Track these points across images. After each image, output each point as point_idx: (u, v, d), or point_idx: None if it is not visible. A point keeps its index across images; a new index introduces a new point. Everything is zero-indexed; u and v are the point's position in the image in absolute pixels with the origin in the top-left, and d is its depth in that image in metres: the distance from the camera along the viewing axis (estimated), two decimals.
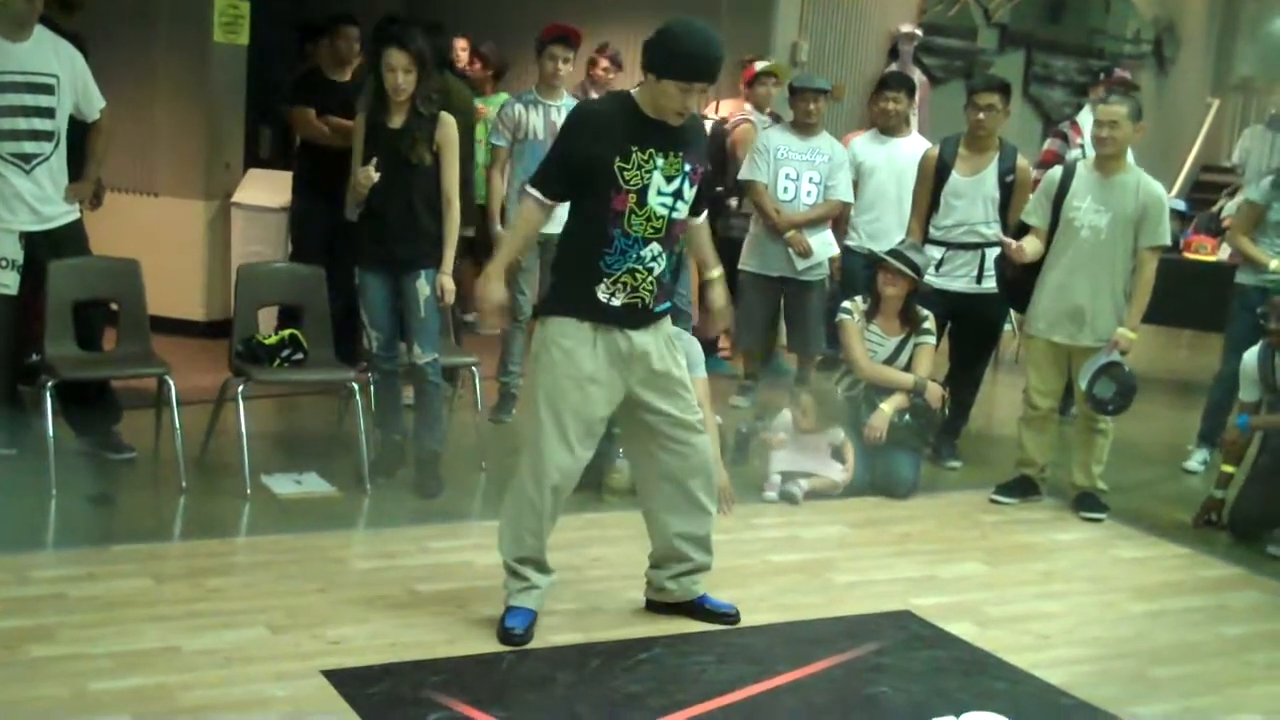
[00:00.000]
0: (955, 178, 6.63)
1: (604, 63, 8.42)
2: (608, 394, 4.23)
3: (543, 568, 4.37)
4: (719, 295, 4.59)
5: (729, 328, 4.51)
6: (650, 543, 4.52)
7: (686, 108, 4.09)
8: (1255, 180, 7.13)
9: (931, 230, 6.68)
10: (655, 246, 4.16)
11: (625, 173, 4.09)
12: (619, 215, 4.10)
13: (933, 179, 6.68)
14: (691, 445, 4.36)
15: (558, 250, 4.40)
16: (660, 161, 4.12)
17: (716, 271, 4.59)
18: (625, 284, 4.15)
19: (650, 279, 4.17)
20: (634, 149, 4.09)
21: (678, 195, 4.18)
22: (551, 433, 4.18)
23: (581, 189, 4.19)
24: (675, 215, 4.19)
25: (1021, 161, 6.68)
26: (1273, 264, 6.73)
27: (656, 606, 4.56)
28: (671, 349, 4.34)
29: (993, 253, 6.56)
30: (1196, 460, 7.08)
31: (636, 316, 4.20)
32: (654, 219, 4.14)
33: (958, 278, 6.62)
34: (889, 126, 7.50)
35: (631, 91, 4.22)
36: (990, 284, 6.58)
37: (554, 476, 4.21)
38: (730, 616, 4.54)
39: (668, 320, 4.37)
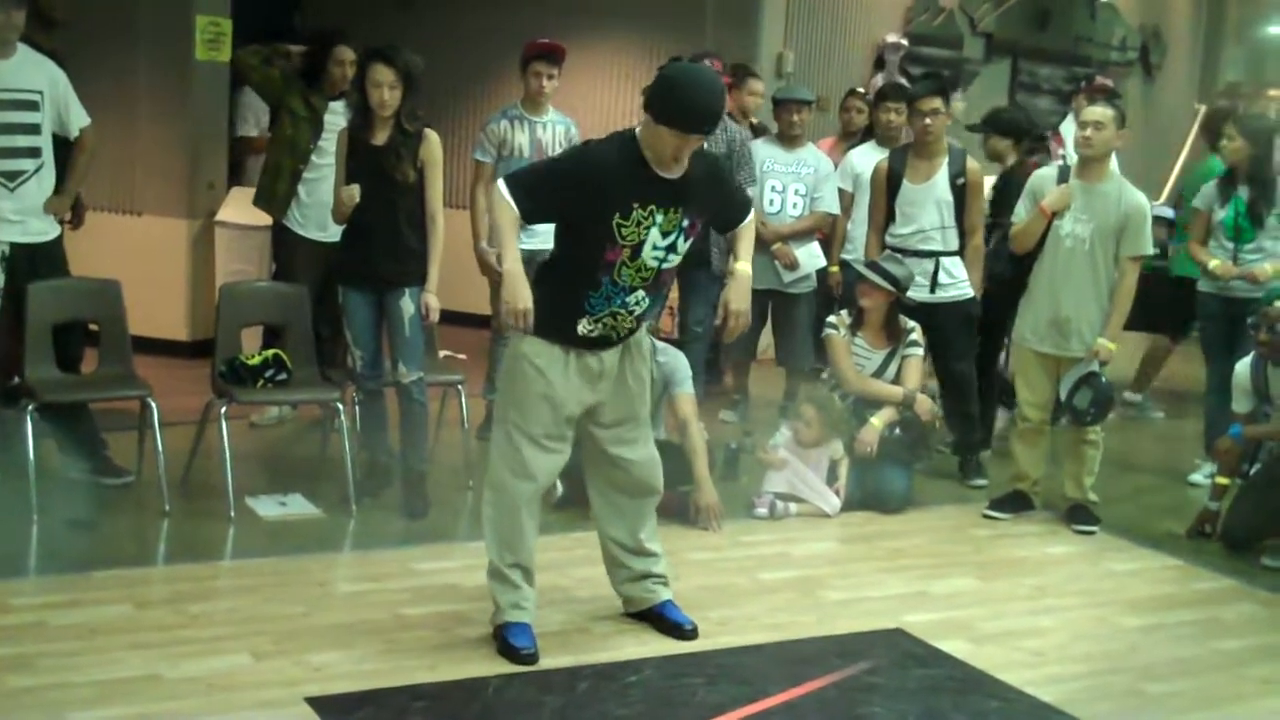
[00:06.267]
0: (907, 186, 6.56)
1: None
2: (577, 407, 4.29)
3: (530, 577, 4.36)
4: (732, 292, 4.33)
5: (739, 330, 4.38)
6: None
7: (681, 154, 4.06)
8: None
9: (889, 239, 6.62)
10: (641, 293, 4.18)
11: (623, 229, 4.06)
12: (610, 265, 4.10)
13: (885, 190, 6.63)
14: (629, 461, 4.43)
15: (542, 270, 4.34)
16: (659, 218, 4.10)
17: (739, 265, 4.37)
18: (605, 323, 4.19)
19: (631, 318, 4.22)
20: (635, 206, 4.05)
21: (671, 249, 4.17)
22: (526, 439, 4.23)
23: (571, 234, 4.20)
24: (665, 265, 4.19)
25: (972, 164, 6.61)
26: (1211, 263, 6.81)
27: (629, 615, 4.64)
28: (634, 357, 4.35)
29: (947, 261, 6.51)
30: (1202, 474, 6.93)
31: (610, 343, 4.27)
32: (644, 270, 4.15)
33: (916, 287, 6.52)
34: (888, 138, 7.40)
35: (636, 132, 4.13)
36: (944, 293, 6.51)
37: (538, 476, 4.27)
38: (685, 631, 4.52)
39: (640, 328, 4.39)
